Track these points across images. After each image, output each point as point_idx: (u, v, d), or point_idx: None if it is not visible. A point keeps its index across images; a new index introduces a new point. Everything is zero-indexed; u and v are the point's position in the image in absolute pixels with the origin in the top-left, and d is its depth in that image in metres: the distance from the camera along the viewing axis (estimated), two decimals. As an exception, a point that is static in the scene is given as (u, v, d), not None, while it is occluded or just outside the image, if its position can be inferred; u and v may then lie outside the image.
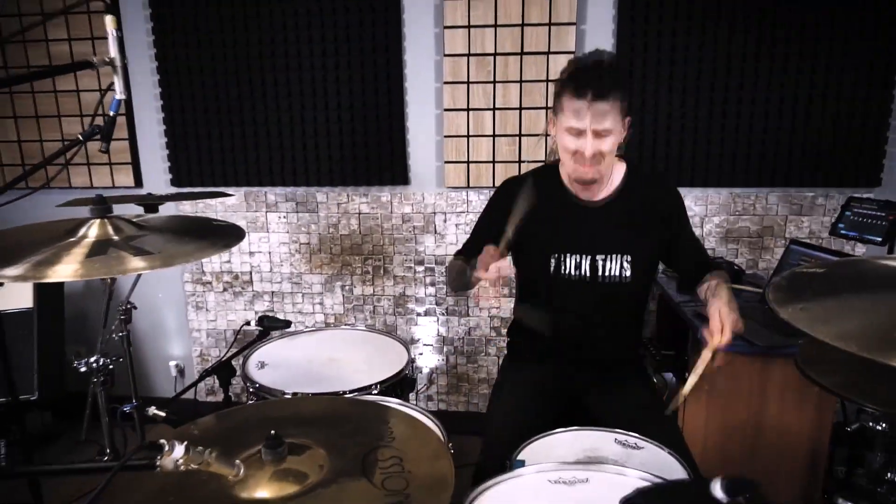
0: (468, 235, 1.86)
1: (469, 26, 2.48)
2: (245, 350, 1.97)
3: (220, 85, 2.66)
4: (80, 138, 1.57)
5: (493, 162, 2.61)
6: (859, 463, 2.03)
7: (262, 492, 0.93)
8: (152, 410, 1.52)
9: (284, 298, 2.89)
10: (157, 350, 3.05)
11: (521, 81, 2.52)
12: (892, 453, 1.63)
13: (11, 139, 2.84)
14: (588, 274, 1.69)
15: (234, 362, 2.04)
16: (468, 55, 2.51)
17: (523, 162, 2.59)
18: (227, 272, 2.89)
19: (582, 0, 2.45)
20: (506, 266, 1.36)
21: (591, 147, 1.49)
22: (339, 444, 1.07)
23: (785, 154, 2.48)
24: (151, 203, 1.83)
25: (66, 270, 1.08)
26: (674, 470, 1.21)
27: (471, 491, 1.06)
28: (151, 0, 2.61)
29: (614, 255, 1.66)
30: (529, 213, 1.44)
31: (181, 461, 0.77)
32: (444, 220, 2.73)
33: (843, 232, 2.04)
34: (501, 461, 1.33)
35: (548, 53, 2.48)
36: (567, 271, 1.69)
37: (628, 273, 1.67)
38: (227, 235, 1.26)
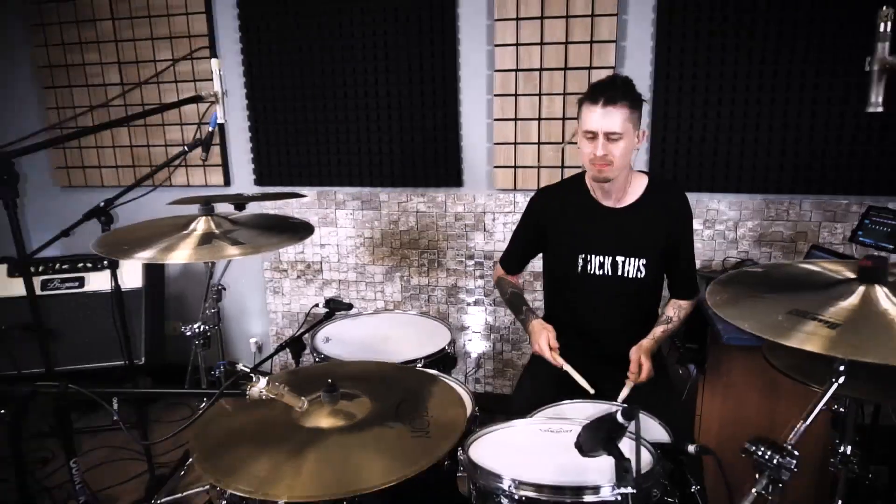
0: (509, 240, 2.17)
1: (517, 44, 2.74)
2: (313, 328, 2.32)
3: (297, 98, 3.03)
4: (186, 149, 1.96)
5: (538, 167, 2.86)
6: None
7: (320, 423, 1.25)
8: (240, 366, 1.88)
9: (350, 286, 3.25)
10: (239, 328, 3.49)
11: (564, 94, 2.75)
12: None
13: (125, 144, 3.33)
14: (609, 272, 1.93)
15: (304, 339, 2.39)
16: (516, 70, 2.77)
17: (566, 167, 2.83)
18: (300, 262, 3.28)
19: (622, 20, 2.65)
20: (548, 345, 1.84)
21: (602, 148, 1.73)
22: (382, 396, 1.37)
23: (818, 163, 2.59)
24: (240, 202, 2.19)
25: (182, 255, 1.44)
26: (659, 436, 1.44)
27: (474, 433, 1.33)
28: (241, 25, 3.02)
29: (632, 258, 1.90)
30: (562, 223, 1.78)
31: (263, 391, 1.09)
32: (493, 219, 3.00)
33: (861, 239, 2.16)
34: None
35: (589, 69, 2.70)
36: (592, 270, 1.94)
37: (643, 273, 1.90)
38: (300, 230, 1.59)
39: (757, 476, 0.95)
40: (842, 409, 1.28)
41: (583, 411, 1.59)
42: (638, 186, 1.92)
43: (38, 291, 2.93)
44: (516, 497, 1.01)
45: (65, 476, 1.18)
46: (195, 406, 3.24)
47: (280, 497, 1.10)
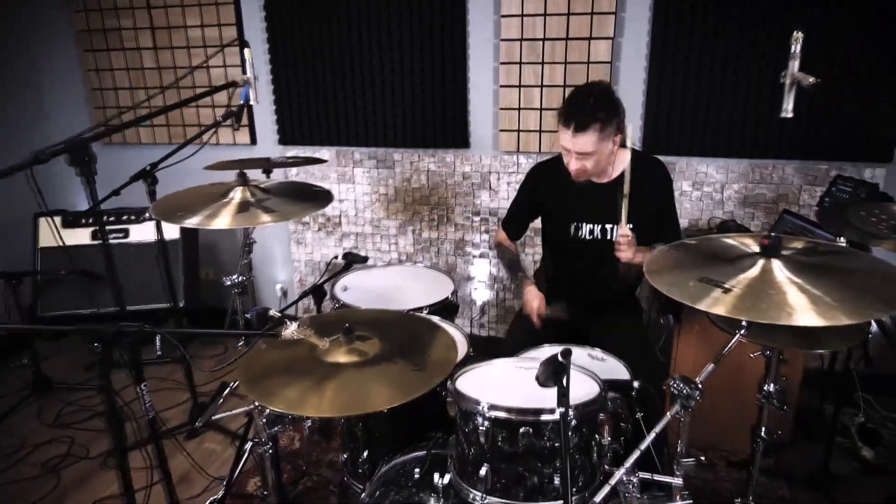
0: (509, 207, 2.43)
1: (522, 15, 2.92)
2: (333, 278, 2.62)
3: (317, 63, 3.26)
4: (221, 120, 2.22)
5: (540, 131, 3.08)
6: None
7: (338, 359, 1.55)
8: (272, 311, 2.20)
9: (366, 239, 3.55)
10: (266, 275, 3.82)
11: (565, 63, 2.94)
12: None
13: (159, 105, 3.60)
14: (599, 237, 2.19)
15: (325, 287, 2.70)
16: (521, 40, 2.96)
17: (566, 132, 3.04)
18: (321, 215, 3.57)
19: (621, -8, 2.81)
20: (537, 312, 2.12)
21: (574, 164, 1.99)
22: (389, 338, 1.67)
23: (802, 129, 2.77)
24: (268, 167, 2.47)
25: (224, 221, 1.73)
26: (621, 374, 1.73)
27: (459, 368, 1.62)
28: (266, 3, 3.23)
29: (618, 224, 2.15)
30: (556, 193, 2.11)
31: (294, 332, 1.39)
32: (498, 179, 3.24)
33: (826, 205, 2.38)
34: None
35: (589, 39, 2.87)
36: (583, 235, 2.20)
37: (631, 226, 2.14)
38: (321, 198, 1.87)
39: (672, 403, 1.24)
40: (768, 353, 1.55)
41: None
42: (622, 162, 2.15)
43: (89, 241, 3.29)
44: (489, 417, 1.31)
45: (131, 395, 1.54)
46: (227, 344, 3.63)
47: (307, 413, 1.42)
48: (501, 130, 3.13)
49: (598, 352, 1.88)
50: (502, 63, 3.02)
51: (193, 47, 3.43)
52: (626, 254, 1.99)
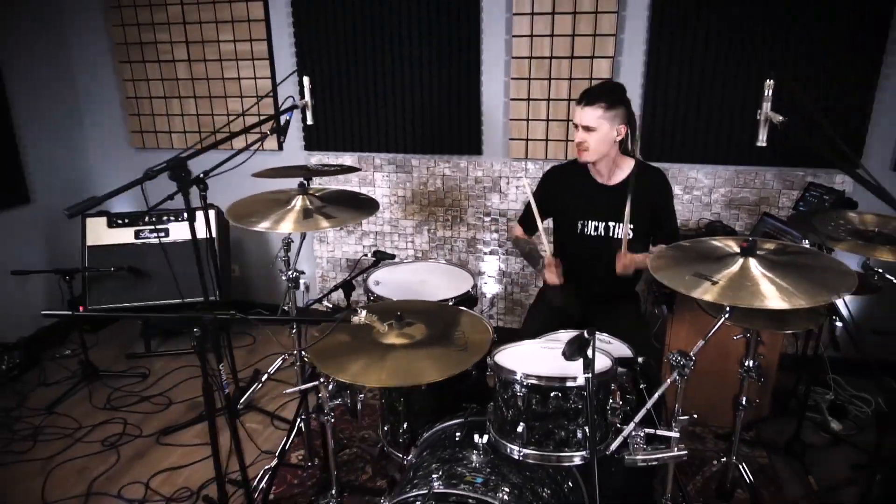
0: (524, 205, 2.73)
1: (532, 35, 3.23)
2: (363, 273, 2.91)
3: (342, 74, 3.55)
4: (268, 133, 2.50)
5: (546, 140, 3.39)
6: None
7: (392, 341, 1.86)
8: (325, 302, 2.51)
9: (385, 237, 3.85)
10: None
11: (570, 79, 3.26)
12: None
13: (192, 113, 3.88)
14: (602, 234, 2.50)
15: (354, 282, 3.00)
16: (530, 58, 3.27)
17: (570, 141, 3.36)
18: (343, 215, 3.87)
19: (621, 16, 3.13)
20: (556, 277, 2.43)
21: (580, 136, 2.29)
22: (431, 324, 1.98)
23: (781, 138, 3.09)
24: (309, 176, 2.75)
25: (288, 226, 2.03)
26: (625, 352, 2.04)
27: (494, 348, 1.93)
28: (293, 11, 3.51)
29: (620, 224, 2.45)
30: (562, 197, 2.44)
31: (364, 318, 1.69)
32: (507, 183, 3.56)
33: (800, 208, 2.71)
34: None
35: (592, 58, 3.19)
36: (588, 232, 2.51)
37: (631, 236, 2.46)
38: (369, 206, 2.18)
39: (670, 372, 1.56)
40: (748, 334, 1.89)
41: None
42: (626, 168, 2.46)
43: (133, 240, 3.57)
44: (525, 384, 1.62)
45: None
46: (254, 335, 3.92)
47: (370, 384, 1.73)
48: (511, 139, 3.44)
49: (605, 336, 2.19)
50: (513, 78, 3.33)
51: (225, 60, 3.71)
52: (621, 270, 2.33)
